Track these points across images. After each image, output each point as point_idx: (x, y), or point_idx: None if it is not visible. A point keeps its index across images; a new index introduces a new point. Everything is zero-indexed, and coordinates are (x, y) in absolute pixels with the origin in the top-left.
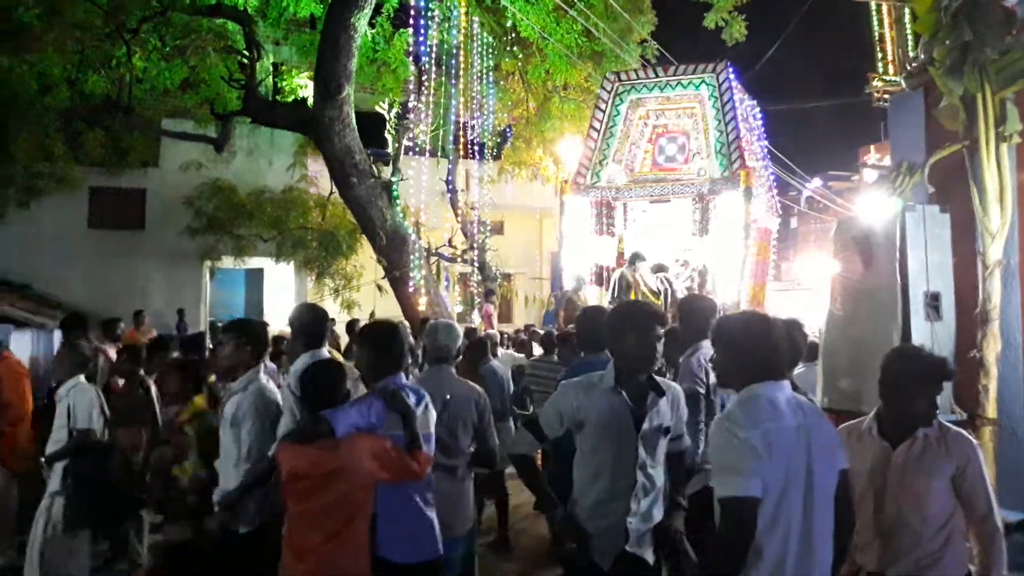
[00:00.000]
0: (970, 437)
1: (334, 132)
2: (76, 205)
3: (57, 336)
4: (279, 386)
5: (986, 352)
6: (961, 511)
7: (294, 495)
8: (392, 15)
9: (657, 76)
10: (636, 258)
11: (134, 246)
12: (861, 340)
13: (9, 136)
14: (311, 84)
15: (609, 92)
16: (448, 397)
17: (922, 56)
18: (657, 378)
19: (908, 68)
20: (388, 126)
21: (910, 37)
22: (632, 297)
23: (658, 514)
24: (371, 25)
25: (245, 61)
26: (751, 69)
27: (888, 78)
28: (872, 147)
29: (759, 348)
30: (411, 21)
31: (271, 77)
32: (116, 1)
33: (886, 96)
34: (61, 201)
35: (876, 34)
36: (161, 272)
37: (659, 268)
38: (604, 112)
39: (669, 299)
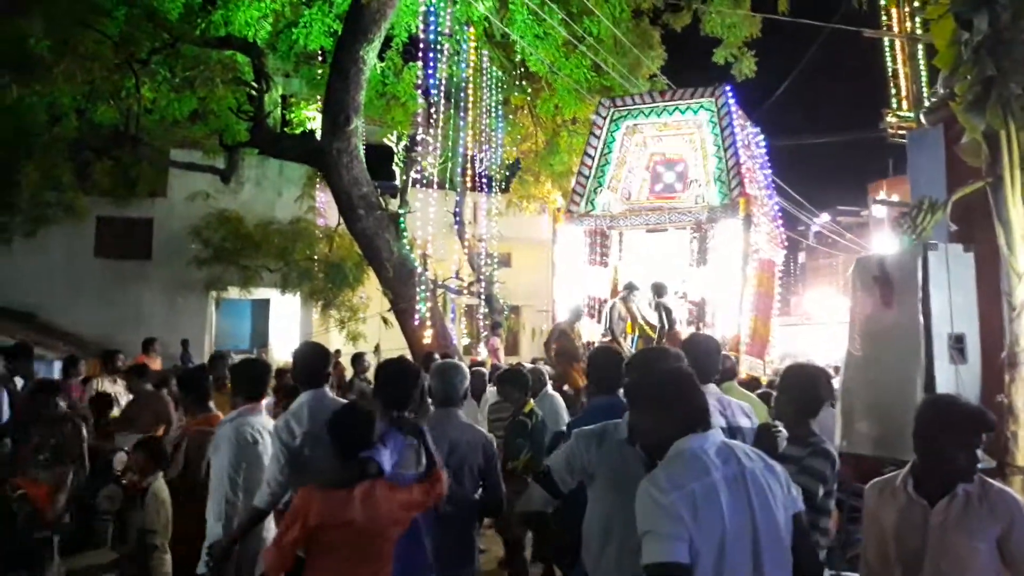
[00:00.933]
0: (1015, 494)
1: (342, 164)
2: (83, 234)
3: (57, 367)
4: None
5: (1015, 397)
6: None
7: (319, 548)
8: (402, 49)
9: (654, 101)
10: (631, 288)
11: (140, 276)
12: (881, 382)
13: (18, 166)
14: (319, 116)
15: (604, 117)
16: (455, 442)
17: (942, 91)
18: None
19: (927, 103)
20: (396, 158)
21: (924, 73)
22: (628, 330)
23: None
24: (380, 58)
25: (254, 93)
26: (761, 105)
27: (902, 114)
28: (883, 183)
29: (676, 402)
30: (420, 55)
31: (279, 109)
32: (126, 32)
33: (901, 132)
34: (68, 230)
35: (890, 70)
36: (167, 302)
37: (658, 290)
38: (599, 138)
39: (666, 332)
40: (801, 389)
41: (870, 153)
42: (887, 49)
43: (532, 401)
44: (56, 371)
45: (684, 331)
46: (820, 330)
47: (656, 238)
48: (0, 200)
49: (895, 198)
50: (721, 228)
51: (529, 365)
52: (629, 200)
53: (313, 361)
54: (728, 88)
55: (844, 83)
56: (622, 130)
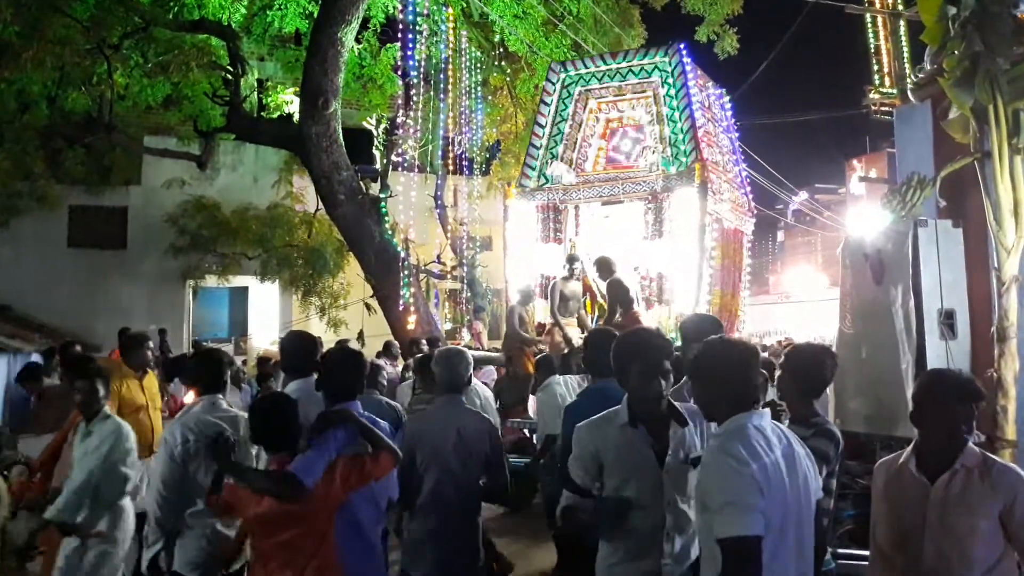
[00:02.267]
0: (1019, 470)
1: (321, 148)
2: (56, 224)
3: (35, 360)
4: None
5: (1004, 371)
6: (1012, 552)
7: (258, 533)
8: (379, 30)
9: (606, 63)
10: (572, 261)
11: (116, 265)
12: (872, 359)
13: None
14: (297, 100)
15: (555, 83)
16: (461, 428)
17: (929, 67)
18: (678, 404)
19: (911, 80)
20: (376, 142)
21: (906, 49)
22: (587, 308)
23: (695, 552)
24: (357, 40)
25: (229, 77)
26: (744, 83)
27: (885, 90)
28: (861, 159)
29: (742, 377)
30: (399, 36)
31: (256, 93)
32: (97, 16)
33: (884, 109)
34: (41, 220)
35: (872, 47)
36: (143, 292)
37: (601, 267)
38: (550, 106)
39: (618, 314)
40: (806, 370)
41: (847, 130)
42: (869, 25)
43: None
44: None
45: (641, 310)
46: (799, 307)
47: (612, 211)
48: None
49: (873, 174)
50: (677, 197)
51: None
52: (584, 171)
53: (300, 349)
54: (682, 46)
55: (823, 60)
56: (574, 96)
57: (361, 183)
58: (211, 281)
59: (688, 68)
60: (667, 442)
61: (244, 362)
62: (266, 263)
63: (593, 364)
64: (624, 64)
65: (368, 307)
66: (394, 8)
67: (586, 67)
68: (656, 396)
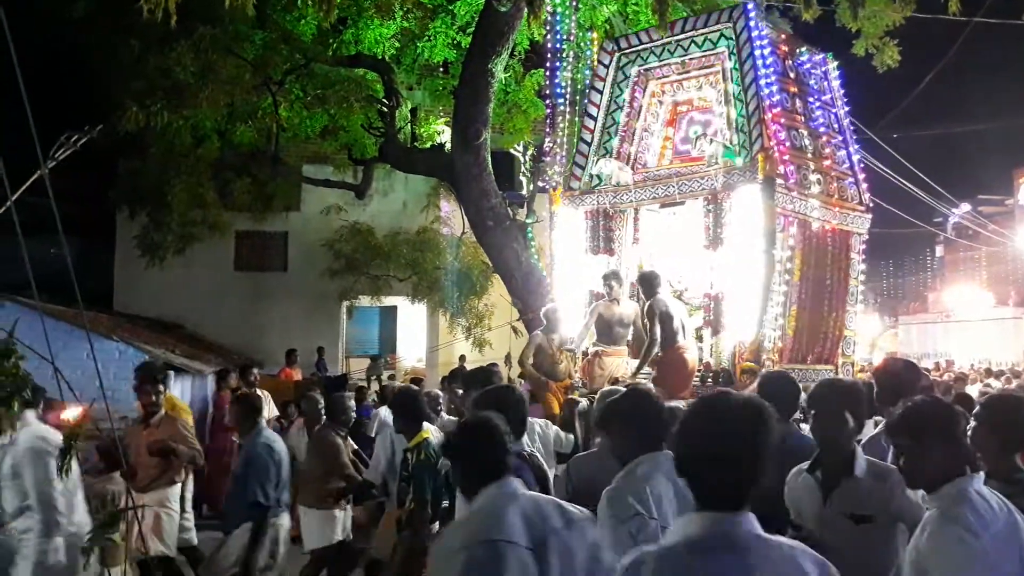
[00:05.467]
0: None
1: (471, 176)
2: (224, 249)
3: (210, 382)
4: None
5: None
6: None
7: None
8: (523, 56)
9: (663, 37)
10: (610, 279)
11: (277, 287)
12: None
13: (168, 187)
14: (447, 129)
15: (608, 66)
16: None
17: None
18: (866, 460)
19: None
20: (523, 168)
21: None
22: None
23: None
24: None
25: (385, 109)
26: (906, 94)
27: None
28: None
29: (960, 435)
30: (544, 62)
31: (409, 124)
32: (263, 56)
33: None
34: (211, 245)
35: None
36: (302, 311)
37: (646, 284)
38: (602, 93)
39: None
40: (1003, 421)
41: (1016, 138)
42: None
43: (428, 429)
44: (209, 385)
45: (689, 342)
46: (961, 328)
47: (676, 215)
48: (155, 221)
49: None
50: (738, 196)
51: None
52: (646, 168)
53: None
54: (749, 6)
55: (989, 67)
56: (631, 79)
57: (508, 209)
58: (364, 301)
59: (757, 32)
60: (833, 490)
61: (391, 377)
62: (416, 285)
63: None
64: (685, 35)
65: (515, 330)
66: (540, 34)
67: (641, 42)
68: (837, 444)
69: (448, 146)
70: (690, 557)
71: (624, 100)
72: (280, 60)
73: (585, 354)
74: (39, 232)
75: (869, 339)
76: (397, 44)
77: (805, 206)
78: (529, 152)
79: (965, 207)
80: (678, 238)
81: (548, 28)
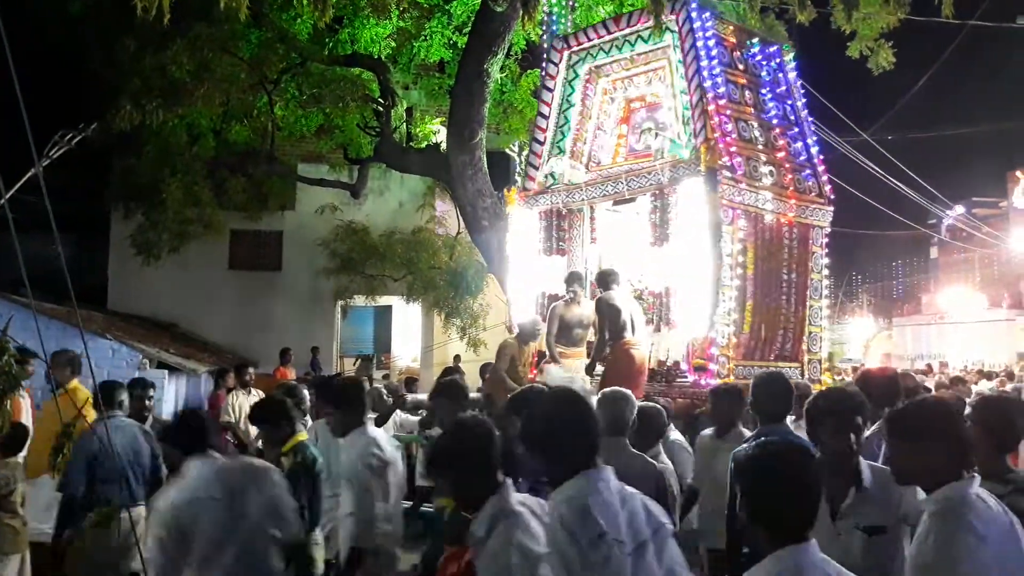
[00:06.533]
0: None
1: (466, 177)
2: (218, 248)
3: (204, 381)
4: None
5: None
6: None
7: None
8: (519, 56)
9: (609, 32)
10: (572, 283)
11: (272, 286)
12: None
13: (163, 185)
14: (443, 130)
15: (557, 63)
16: (623, 473)
17: None
18: (867, 466)
19: None
20: (519, 168)
21: None
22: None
23: None
24: (500, 68)
25: (380, 109)
26: (900, 95)
27: None
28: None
29: (958, 437)
30: (541, 62)
31: (404, 124)
32: (259, 55)
33: None
34: (205, 244)
35: None
36: (296, 311)
37: (603, 280)
38: (553, 91)
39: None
40: (997, 422)
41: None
42: None
43: (303, 433)
44: (203, 384)
45: (640, 338)
46: (955, 329)
47: (626, 212)
48: (150, 219)
49: None
50: (684, 190)
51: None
52: (600, 166)
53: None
54: None
55: (984, 69)
56: (582, 77)
57: (504, 208)
58: (359, 301)
59: (700, 23)
60: (842, 505)
61: (386, 376)
62: (411, 284)
63: (762, 410)
64: (631, 30)
65: (510, 330)
66: (536, 35)
67: (589, 39)
68: (844, 455)
69: (444, 146)
70: None
71: (576, 98)
72: (276, 59)
73: (543, 355)
74: (33, 230)
75: (863, 340)
76: (393, 44)
77: (756, 198)
78: (524, 152)
79: (959, 209)
80: (635, 236)
81: (544, 28)
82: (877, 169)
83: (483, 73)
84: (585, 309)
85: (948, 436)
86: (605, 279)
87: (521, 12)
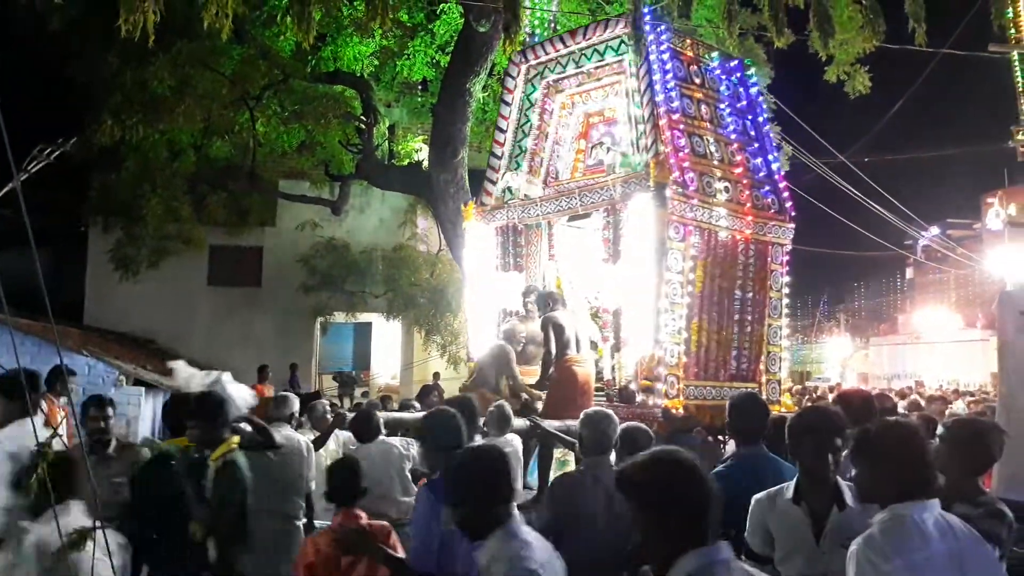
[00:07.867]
0: None
1: (448, 195)
2: (198, 263)
3: None
4: None
5: None
6: None
7: None
8: (502, 76)
9: (566, 45)
10: (528, 295)
11: (251, 302)
12: None
13: (143, 200)
14: (425, 148)
15: (515, 77)
16: (609, 490)
17: None
18: (846, 486)
19: None
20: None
21: None
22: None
23: None
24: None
25: (362, 126)
26: (877, 120)
27: None
28: (999, 193)
29: (913, 461)
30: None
31: (387, 141)
32: (241, 71)
33: None
34: (185, 260)
35: (1021, 86)
36: (276, 327)
37: (545, 301)
38: (511, 106)
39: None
40: (970, 446)
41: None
42: (1017, 63)
43: (235, 438)
44: None
45: (583, 355)
46: (930, 349)
47: (584, 228)
48: (129, 234)
49: (1012, 210)
50: (635, 205)
51: None
52: (558, 181)
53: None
54: (646, 11)
55: (960, 94)
56: (540, 91)
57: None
58: (338, 317)
59: (653, 36)
60: (825, 523)
61: (365, 394)
62: (392, 301)
63: (739, 430)
64: (587, 43)
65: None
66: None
67: (546, 53)
68: (824, 474)
69: (425, 164)
70: None
71: (534, 113)
72: (258, 75)
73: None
74: (10, 244)
75: (840, 360)
76: (376, 62)
77: (709, 214)
78: None
79: (934, 231)
80: (592, 253)
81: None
82: (854, 191)
83: (465, 92)
84: (538, 326)
85: (902, 459)
86: (546, 300)
87: (503, 35)
